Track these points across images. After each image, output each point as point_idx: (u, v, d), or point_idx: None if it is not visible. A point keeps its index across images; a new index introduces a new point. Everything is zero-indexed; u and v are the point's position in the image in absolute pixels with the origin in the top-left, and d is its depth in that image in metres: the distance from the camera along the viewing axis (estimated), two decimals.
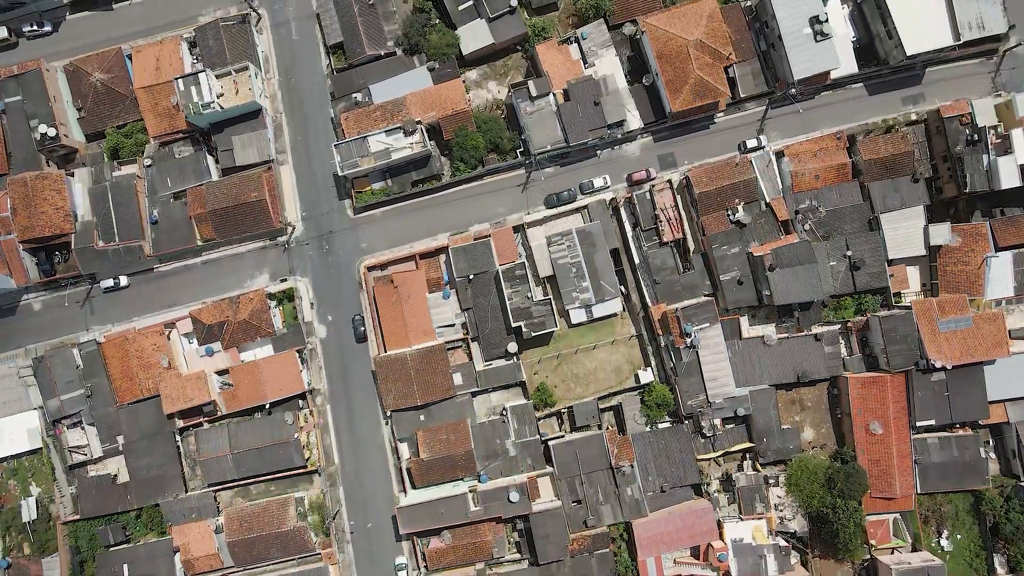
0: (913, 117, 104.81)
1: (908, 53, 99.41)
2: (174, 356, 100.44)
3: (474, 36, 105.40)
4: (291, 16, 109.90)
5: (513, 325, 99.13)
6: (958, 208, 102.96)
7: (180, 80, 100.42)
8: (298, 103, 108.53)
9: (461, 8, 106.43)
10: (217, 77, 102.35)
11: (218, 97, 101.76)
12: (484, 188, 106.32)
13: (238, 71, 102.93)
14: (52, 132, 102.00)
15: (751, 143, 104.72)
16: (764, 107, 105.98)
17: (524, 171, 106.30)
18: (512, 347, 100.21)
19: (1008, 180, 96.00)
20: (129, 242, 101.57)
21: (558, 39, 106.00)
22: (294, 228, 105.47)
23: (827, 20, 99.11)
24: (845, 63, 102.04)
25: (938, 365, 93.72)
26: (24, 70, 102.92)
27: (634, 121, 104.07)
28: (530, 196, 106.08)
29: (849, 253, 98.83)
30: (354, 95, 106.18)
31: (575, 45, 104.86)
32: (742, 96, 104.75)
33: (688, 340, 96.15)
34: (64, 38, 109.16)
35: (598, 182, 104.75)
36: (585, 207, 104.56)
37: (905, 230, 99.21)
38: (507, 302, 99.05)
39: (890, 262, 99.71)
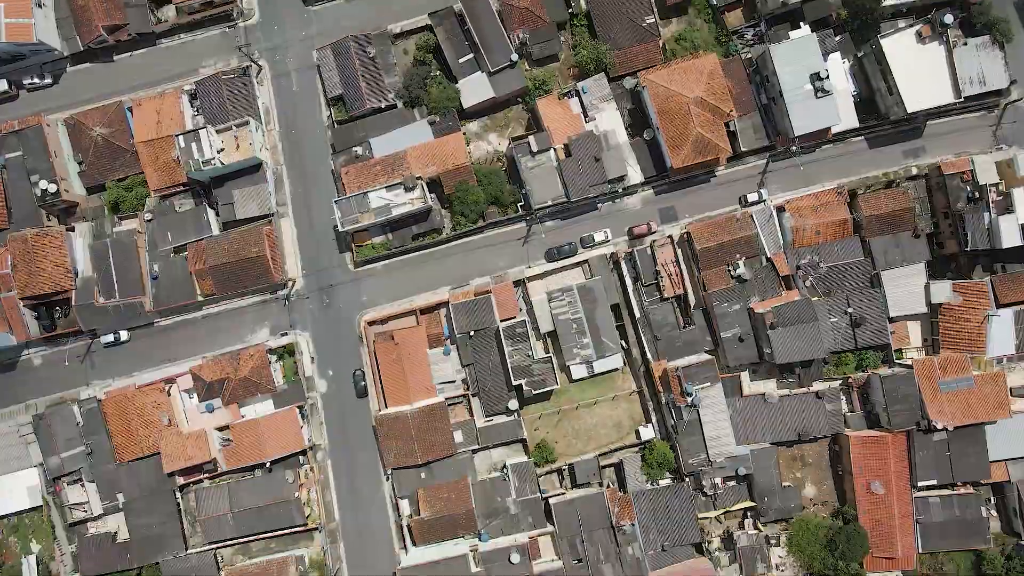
0: (914, 171, 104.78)
1: (909, 111, 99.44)
2: (174, 413, 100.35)
3: (474, 90, 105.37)
4: (292, 67, 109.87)
5: (514, 383, 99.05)
6: (959, 263, 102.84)
7: (181, 136, 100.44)
8: (299, 155, 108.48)
9: (461, 61, 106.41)
10: (218, 132, 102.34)
11: (219, 152, 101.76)
12: (485, 241, 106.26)
13: (239, 126, 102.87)
14: (52, 188, 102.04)
15: (752, 197, 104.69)
16: (765, 160, 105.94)
17: (525, 224, 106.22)
18: (513, 404, 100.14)
19: (1009, 240, 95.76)
20: (130, 298, 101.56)
21: (559, 92, 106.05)
22: (295, 282, 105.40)
23: (828, 77, 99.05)
24: (846, 118, 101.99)
25: (939, 427, 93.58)
26: (25, 126, 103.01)
27: (635, 175, 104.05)
28: (531, 249, 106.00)
29: (850, 310, 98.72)
30: (354, 148, 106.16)
31: (575, 99, 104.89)
32: (743, 150, 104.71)
33: (689, 399, 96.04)
34: (65, 90, 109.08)
35: (599, 236, 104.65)
36: (586, 261, 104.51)
37: (906, 288, 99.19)
38: (508, 360, 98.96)
39: (891, 319, 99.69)
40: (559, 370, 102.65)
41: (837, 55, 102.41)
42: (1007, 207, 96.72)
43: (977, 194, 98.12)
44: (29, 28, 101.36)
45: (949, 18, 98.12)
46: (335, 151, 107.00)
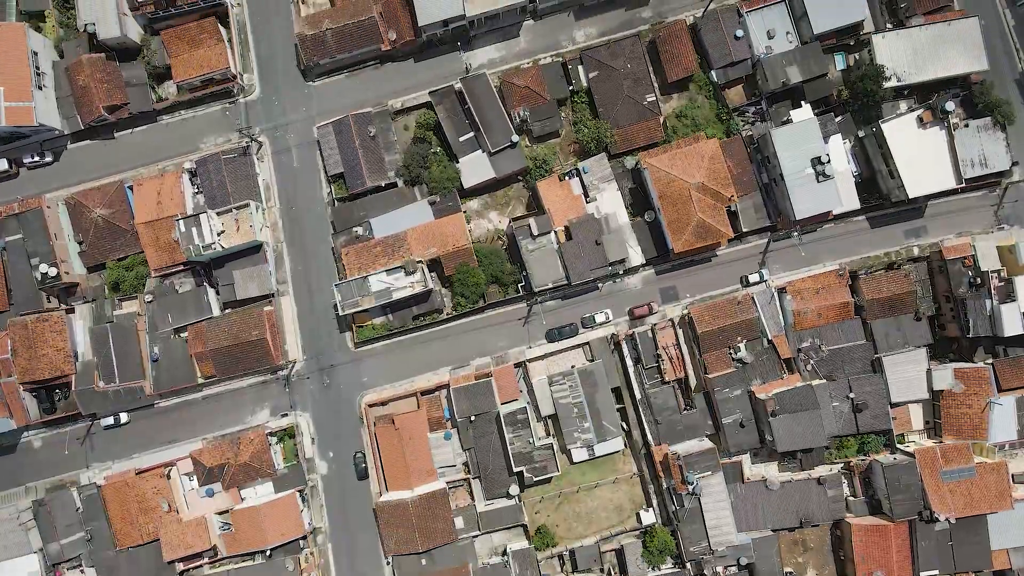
0: (916, 251, 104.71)
1: (911, 196, 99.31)
2: (174, 497, 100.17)
3: (475, 170, 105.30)
4: (292, 143, 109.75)
5: (515, 470, 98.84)
6: (961, 344, 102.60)
7: (181, 221, 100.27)
8: (299, 232, 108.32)
9: (462, 139, 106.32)
10: (218, 215, 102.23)
11: (219, 235, 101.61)
12: (485, 321, 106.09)
13: (239, 208, 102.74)
14: (53, 272, 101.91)
15: (753, 277, 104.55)
16: (766, 240, 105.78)
17: (525, 304, 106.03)
18: (514, 490, 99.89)
19: (1011, 328, 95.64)
20: (130, 383, 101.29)
21: (559, 172, 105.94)
22: (295, 363, 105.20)
23: (829, 161, 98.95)
24: (847, 200, 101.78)
25: (942, 518, 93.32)
26: (25, 208, 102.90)
27: (636, 257, 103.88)
28: (531, 330, 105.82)
29: (852, 395, 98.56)
30: (355, 228, 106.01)
31: (576, 179, 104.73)
32: (744, 230, 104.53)
33: (690, 488, 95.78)
34: (65, 168, 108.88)
35: (600, 317, 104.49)
36: (587, 343, 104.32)
37: (908, 373, 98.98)
38: (509, 446, 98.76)
39: (893, 404, 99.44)
40: (560, 452, 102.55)
41: (838, 137, 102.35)
42: (1009, 294, 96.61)
43: (979, 280, 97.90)
44: (30, 111, 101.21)
45: (950, 105, 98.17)
46: (335, 230, 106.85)
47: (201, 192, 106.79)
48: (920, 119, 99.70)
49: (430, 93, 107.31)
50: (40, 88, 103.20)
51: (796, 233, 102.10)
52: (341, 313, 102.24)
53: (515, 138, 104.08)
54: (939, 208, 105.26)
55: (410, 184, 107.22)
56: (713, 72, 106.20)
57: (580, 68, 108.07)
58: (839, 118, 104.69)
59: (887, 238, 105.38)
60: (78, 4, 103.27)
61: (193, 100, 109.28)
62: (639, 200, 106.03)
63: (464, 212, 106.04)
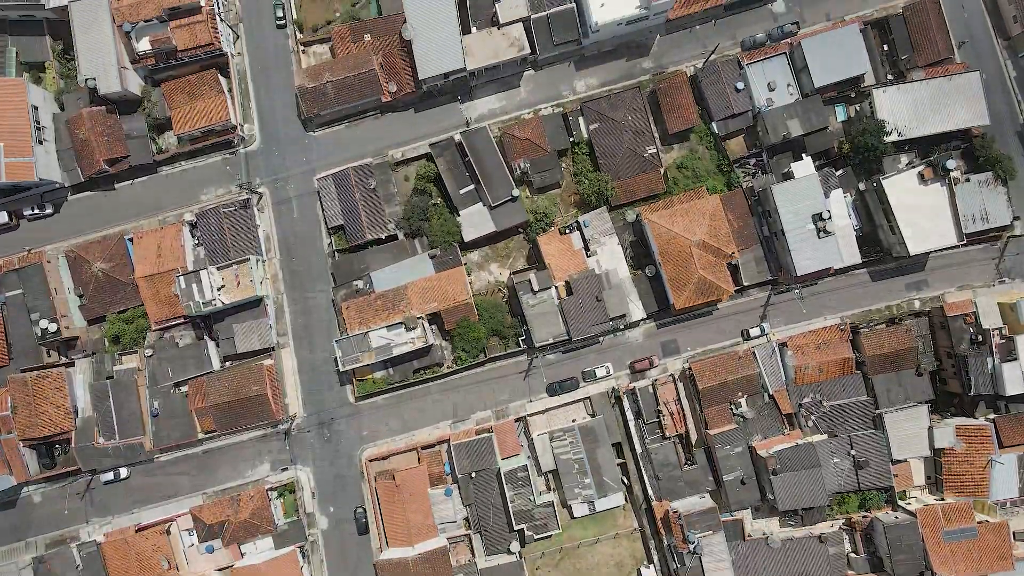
0: (917, 305, 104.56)
1: (912, 253, 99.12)
2: (174, 554, 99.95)
3: (475, 224, 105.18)
4: (292, 194, 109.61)
5: (516, 528, 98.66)
6: (963, 399, 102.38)
7: (181, 277, 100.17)
8: (299, 284, 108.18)
9: (462, 191, 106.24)
10: (218, 269, 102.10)
11: (219, 290, 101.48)
12: (486, 375, 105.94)
13: (239, 263, 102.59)
14: (53, 327, 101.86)
15: (754, 331, 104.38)
16: (767, 294, 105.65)
17: (526, 358, 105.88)
18: (515, 547, 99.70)
19: (1013, 388, 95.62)
20: (130, 440, 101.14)
21: (560, 225, 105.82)
22: (295, 417, 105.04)
23: (830, 217, 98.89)
24: (848, 254, 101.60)
25: None
26: (25, 263, 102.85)
27: (637, 312, 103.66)
28: (532, 383, 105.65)
29: (853, 452, 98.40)
30: (355, 282, 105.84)
31: (577, 233, 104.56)
32: (745, 284, 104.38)
33: (691, 546, 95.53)
34: (65, 219, 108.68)
35: (600, 372, 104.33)
36: (587, 398, 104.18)
37: (909, 431, 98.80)
38: (509, 504, 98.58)
39: (894, 461, 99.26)
40: (561, 506, 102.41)
41: (839, 192, 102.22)
42: (1010, 351, 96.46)
43: (980, 337, 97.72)
44: (30, 167, 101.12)
45: (951, 163, 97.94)
46: (336, 283, 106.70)
47: (201, 244, 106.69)
48: (921, 175, 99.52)
49: (431, 145, 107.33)
50: (40, 142, 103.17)
51: (797, 291, 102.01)
52: (342, 369, 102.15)
53: (516, 192, 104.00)
54: (940, 261, 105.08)
55: (411, 236, 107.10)
56: (714, 124, 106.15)
57: (581, 119, 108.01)
58: (840, 172, 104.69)
59: (888, 291, 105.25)
60: (78, 59, 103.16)
61: (193, 151, 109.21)
62: (640, 253, 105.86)
63: (465, 264, 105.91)
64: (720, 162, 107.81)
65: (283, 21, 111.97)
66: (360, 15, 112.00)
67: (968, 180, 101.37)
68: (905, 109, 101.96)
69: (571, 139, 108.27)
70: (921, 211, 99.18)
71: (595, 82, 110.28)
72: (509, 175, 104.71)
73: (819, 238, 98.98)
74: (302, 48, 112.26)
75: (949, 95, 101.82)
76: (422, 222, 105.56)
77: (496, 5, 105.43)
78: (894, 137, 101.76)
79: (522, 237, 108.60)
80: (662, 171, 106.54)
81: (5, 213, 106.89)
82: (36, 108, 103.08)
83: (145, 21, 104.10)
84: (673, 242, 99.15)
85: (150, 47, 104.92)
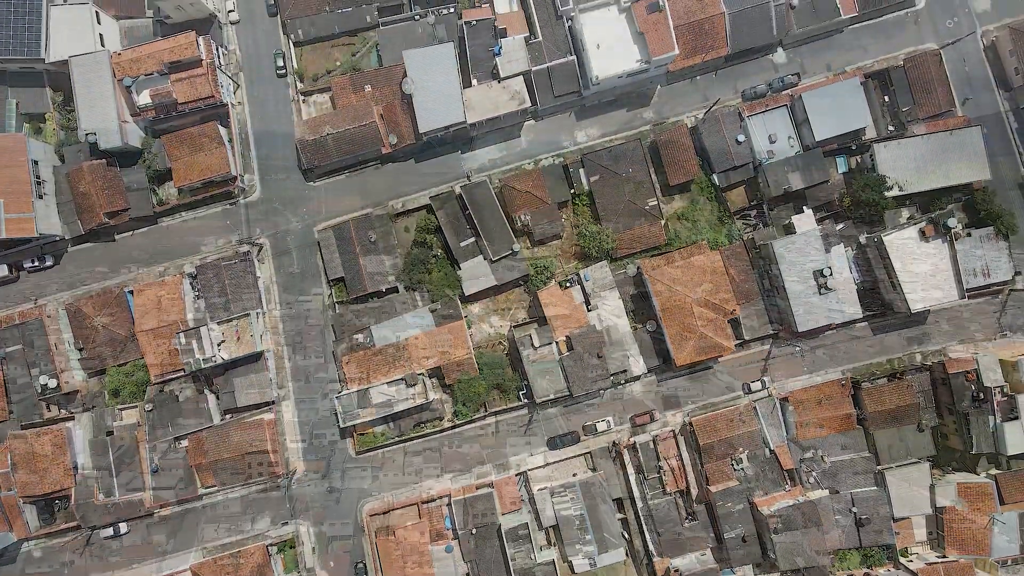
0: (918, 358, 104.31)
1: (913, 310, 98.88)
2: None
3: (476, 278, 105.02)
4: (292, 245, 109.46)
5: None
6: (965, 455, 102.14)
7: (181, 335, 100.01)
8: (299, 337, 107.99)
9: (463, 244, 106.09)
10: (218, 324, 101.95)
11: (219, 345, 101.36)
12: (487, 428, 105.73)
13: (239, 318, 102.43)
14: (52, 383, 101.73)
15: (755, 385, 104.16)
16: (768, 347, 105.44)
17: (527, 411, 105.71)
18: None
19: (1014, 447, 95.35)
20: (130, 496, 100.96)
21: (560, 278, 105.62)
22: (295, 471, 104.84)
23: (831, 274, 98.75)
24: (849, 309, 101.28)
25: None
26: (25, 319, 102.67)
27: (637, 367, 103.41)
28: (533, 437, 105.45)
29: (855, 510, 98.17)
30: (355, 336, 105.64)
31: (577, 286, 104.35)
32: (746, 339, 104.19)
33: None
34: (65, 271, 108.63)
35: (601, 426, 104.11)
36: (588, 452, 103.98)
37: (911, 489, 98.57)
38: (510, 562, 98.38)
39: (896, 519, 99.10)
40: (562, 560, 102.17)
41: (840, 247, 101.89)
42: (1012, 410, 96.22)
43: (982, 395, 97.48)
44: (30, 222, 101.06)
45: (953, 221, 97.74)
46: (336, 337, 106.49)
47: (202, 297, 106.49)
48: (922, 232, 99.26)
49: (431, 198, 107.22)
50: (41, 196, 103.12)
51: (798, 348, 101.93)
52: (342, 425, 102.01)
53: (516, 247, 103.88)
54: (942, 315, 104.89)
55: (411, 289, 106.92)
56: (715, 175, 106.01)
57: (581, 171, 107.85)
58: (841, 225, 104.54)
59: (890, 345, 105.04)
60: (79, 114, 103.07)
61: (193, 202, 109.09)
62: (641, 306, 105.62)
63: (465, 317, 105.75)
64: (721, 213, 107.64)
65: (283, 71, 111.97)
66: (360, 65, 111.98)
67: (969, 235, 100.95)
68: (906, 164, 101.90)
69: (572, 191, 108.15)
70: (922, 268, 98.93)
71: (596, 132, 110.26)
72: (510, 229, 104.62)
73: (820, 294, 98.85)
74: (302, 97, 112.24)
75: (950, 150, 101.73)
76: (422, 274, 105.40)
77: (496, 59, 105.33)
78: (895, 192, 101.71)
79: (523, 289, 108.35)
80: (663, 223, 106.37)
81: (5, 267, 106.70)
82: (36, 163, 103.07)
83: (146, 75, 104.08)
84: (674, 299, 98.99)
85: (151, 100, 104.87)
